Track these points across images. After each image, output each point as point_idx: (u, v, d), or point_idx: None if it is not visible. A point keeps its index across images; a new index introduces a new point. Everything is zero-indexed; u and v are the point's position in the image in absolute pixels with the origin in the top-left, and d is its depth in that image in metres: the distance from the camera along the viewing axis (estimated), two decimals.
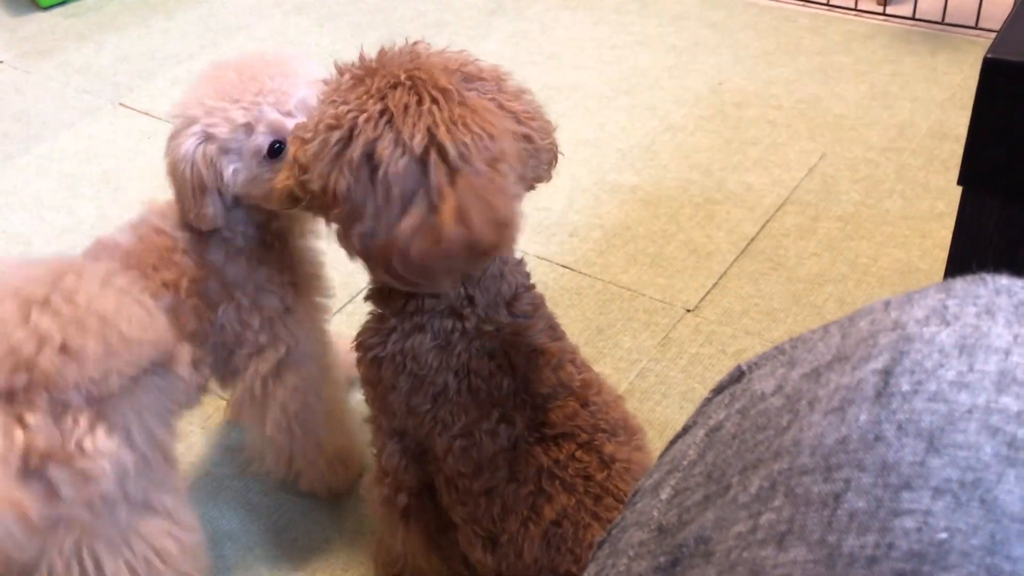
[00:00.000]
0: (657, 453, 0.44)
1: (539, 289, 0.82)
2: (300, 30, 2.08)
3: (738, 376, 0.40)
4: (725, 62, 1.85)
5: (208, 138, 0.85)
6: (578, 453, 0.76)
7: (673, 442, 0.41)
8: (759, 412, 0.36)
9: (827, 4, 1.99)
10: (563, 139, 0.77)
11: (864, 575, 0.28)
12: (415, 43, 0.72)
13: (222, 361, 0.95)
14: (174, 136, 0.87)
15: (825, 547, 0.29)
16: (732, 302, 1.30)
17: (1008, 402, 0.30)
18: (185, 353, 0.87)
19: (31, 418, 0.72)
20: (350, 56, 0.72)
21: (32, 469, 0.73)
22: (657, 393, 1.18)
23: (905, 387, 0.31)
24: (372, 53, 0.72)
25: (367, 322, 0.81)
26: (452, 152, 0.64)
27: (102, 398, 0.76)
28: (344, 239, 0.70)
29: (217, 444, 1.17)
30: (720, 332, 1.25)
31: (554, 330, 0.81)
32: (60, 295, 0.74)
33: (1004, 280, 0.34)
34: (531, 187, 0.74)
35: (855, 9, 1.96)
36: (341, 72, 0.71)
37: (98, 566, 0.79)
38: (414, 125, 0.65)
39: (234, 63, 0.88)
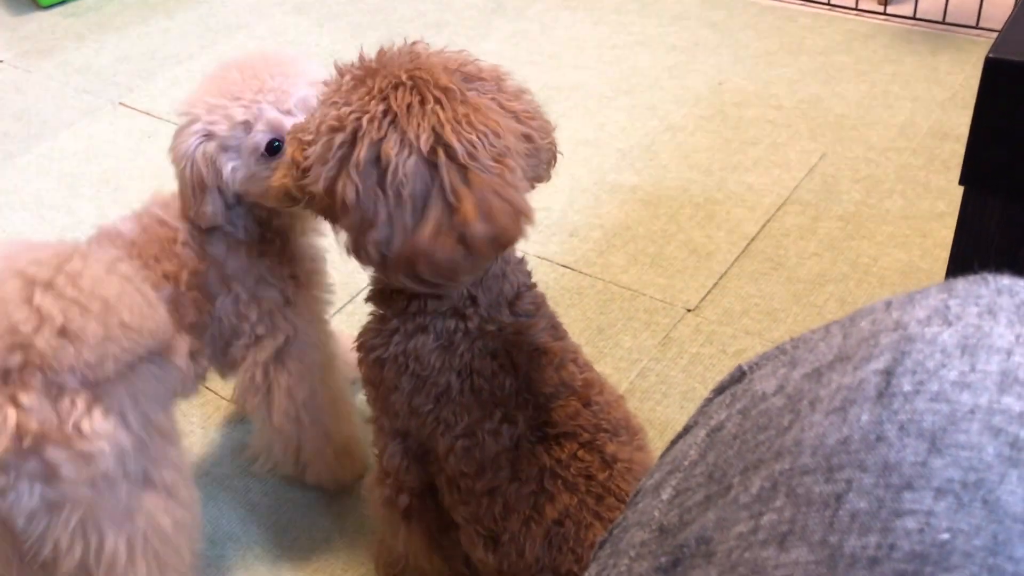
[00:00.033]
0: (658, 453, 0.44)
1: (539, 289, 0.82)
2: (300, 30, 2.08)
3: (739, 376, 0.40)
4: (725, 62, 1.85)
5: (209, 136, 0.86)
6: (580, 453, 0.76)
7: (674, 442, 0.41)
8: (760, 412, 0.36)
9: (828, 4, 1.99)
10: (563, 139, 0.77)
11: None
12: (414, 43, 0.72)
13: (220, 352, 0.96)
14: (178, 134, 0.89)
15: (827, 548, 0.29)
16: (732, 302, 1.30)
17: (1010, 402, 0.30)
18: (183, 344, 0.88)
19: (25, 398, 0.73)
20: (350, 56, 0.72)
21: (26, 449, 0.73)
22: (658, 393, 1.18)
23: (907, 387, 0.31)
24: (371, 53, 0.72)
25: (369, 323, 0.81)
26: (460, 151, 0.64)
27: (97, 382, 0.77)
28: (358, 249, 0.69)
29: (217, 444, 1.17)
30: (721, 332, 1.25)
31: (556, 329, 0.81)
32: (65, 277, 0.75)
33: (1006, 280, 0.34)
34: (531, 187, 0.74)
35: (856, 9, 1.96)
36: (341, 73, 0.71)
37: (102, 541, 0.80)
38: (419, 125, 0.65)
39: (238, 62, 0.89)
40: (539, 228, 1.45)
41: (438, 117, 0.65)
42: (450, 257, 0.65)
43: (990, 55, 0.64)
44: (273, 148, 0.86)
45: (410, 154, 0.64)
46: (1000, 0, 1.85)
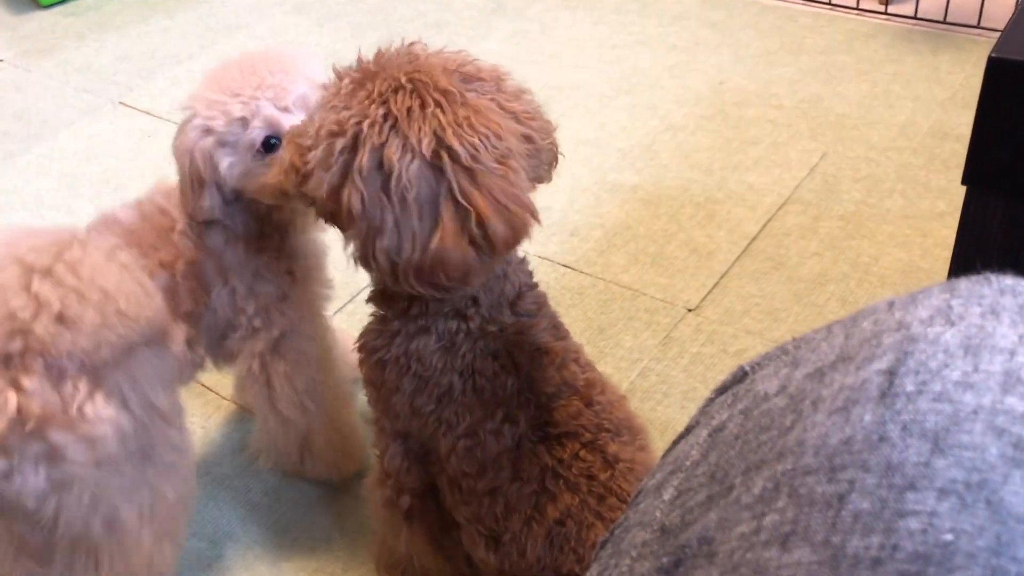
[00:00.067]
0: (659, 453, 0.44)
1: (540, 289, 0.82)
2: (300, 30, 2.08)
3: (741, 376, 0.40)
4: (726, 61, 1.84)
5: (207, 131, 0.87)
6: (582, 452, 0.76)
7: (676, 442, 0.41)
8: (762, 412, 0.36)
9: (829, 3, 1.99)
10: (563, 139, 0.77)
11: None
12: (412, 44, 0.72)
13: (215, 342, 0.97)
14: (179, 129, 0.90)
15: (829, 548, 0.29)
16: (733, 301, 1.30)
17: (1013, 403, 0.30)
18: (179, 332, 0.89)
19: (27, 382, 0.74)
20: (350, 56, 0.72)
21: (29, 432, 0.74)
22: (658, 393, 1.18)
23: (910, 387, 0.31)
24: (370, 55, 0.72)
25: (370, 324, 0.81)
26: (463, 154, 0.64)
27: (95, 367, 0.78)
28: (367, 259, 0.69)
29: (217, 443, 1.17)
30: (721, 332, 1.25)
31: (557, 329, 0.81)
32: (64, 265, 0.76)
33: (1009, 280, 0.34)
34: (533, 187, 0.74)
35: (857, 8, 1.96)
36: (340, 77, 0.71)
37: (114, 514, 0.82)
38: (420, 129, 0.65)
39: (239, 59, 0.90)
40: (540, 228, 1.45)
41: (439, 120, 0.65)
42: (465, 260, 0.65)
43: (993, 55, 0.64)
44: (269, 145, 0.86)
45: (413, 158, 0.64)
46: (1001, 0, 1.85)
